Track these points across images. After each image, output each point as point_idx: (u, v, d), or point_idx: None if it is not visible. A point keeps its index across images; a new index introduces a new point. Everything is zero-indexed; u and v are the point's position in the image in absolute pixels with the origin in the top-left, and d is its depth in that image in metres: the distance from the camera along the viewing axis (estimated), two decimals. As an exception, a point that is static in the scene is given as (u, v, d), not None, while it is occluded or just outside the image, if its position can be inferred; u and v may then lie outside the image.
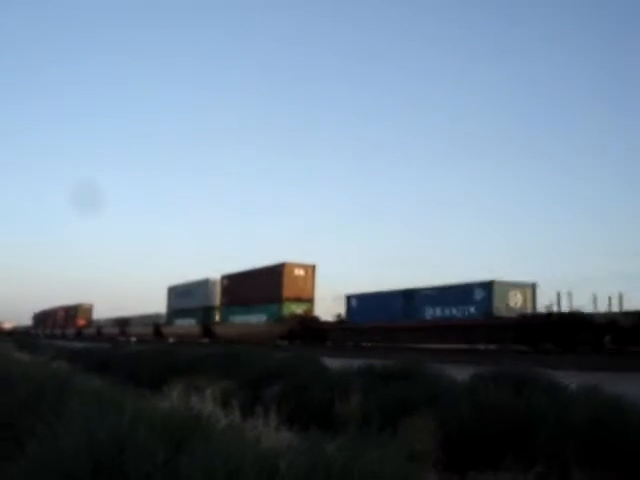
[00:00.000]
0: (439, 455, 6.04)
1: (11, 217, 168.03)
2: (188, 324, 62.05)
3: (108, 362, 17.80)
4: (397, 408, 7.15)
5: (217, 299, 58.92)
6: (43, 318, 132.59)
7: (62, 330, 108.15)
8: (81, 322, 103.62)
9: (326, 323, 45.00)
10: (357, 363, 10.77)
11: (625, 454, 5.24)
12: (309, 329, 44.82)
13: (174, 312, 67.50)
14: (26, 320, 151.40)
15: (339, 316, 43.47)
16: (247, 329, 49.78)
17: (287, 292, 48.42)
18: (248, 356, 14.23)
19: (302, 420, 6.35)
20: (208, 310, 59.39)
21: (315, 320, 46.96)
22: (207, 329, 57.30)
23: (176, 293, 67.82)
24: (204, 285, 61.10)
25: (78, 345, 32.30)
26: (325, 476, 3.17)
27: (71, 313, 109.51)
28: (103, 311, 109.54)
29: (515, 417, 6.19)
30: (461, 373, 9.00)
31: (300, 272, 49.45)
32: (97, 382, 9.48)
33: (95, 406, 4.20)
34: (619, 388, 6.81)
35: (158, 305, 76.63)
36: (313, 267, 50.37)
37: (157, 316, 72.35)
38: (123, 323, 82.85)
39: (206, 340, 55.37)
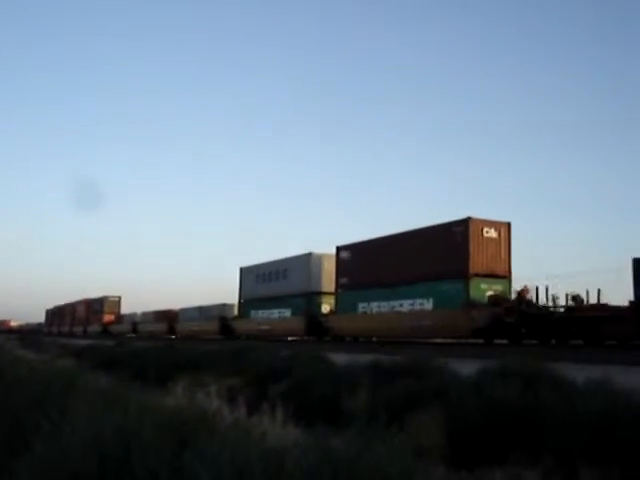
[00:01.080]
0: (446, 450, 6.02)
1: (12, 210, 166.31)
2: (279, 317, 47.10)
3: (114, 359, 17.83)
4: (404, 403, 7.13)
5: (324, 281, 42.77)
6: (58, 314, 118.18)
7: (84, 327, 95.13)
8: (108, 317, 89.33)
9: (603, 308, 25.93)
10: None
11: (635, 450, 5.20)
12: (535, 319, 27.94)
13: (252, 302, 51.64)
14: (37, 317, 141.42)
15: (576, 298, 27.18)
16: (402, 321, 33.74)
17: (476, 263, 30.94)
18: (255, 353, 14.22)
19: (309, 416, 6.33)
20: (311, 297, 43.63)
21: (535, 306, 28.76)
22: (313, 323, 42.16)
23: (256, 276, 51.02)
24: (304, 262, 44.40)
25: (83, 342, 32.27)
26: (332, 472, 3.15)
27: (94, 307, 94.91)
28: (132, 305, 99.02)
29: (522, 412, 6.17)
30: (468, 368, 8.96)
31: (492, 233, 31.78)
32: (103, 379, 9.48)
33: (101, 403, 4.19)
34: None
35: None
36: (508, 225, 32.59)
37: (224, 307, 57.25)
38: (170, 317, 69.41)
39: (311, 338, 42.30)
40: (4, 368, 8.80)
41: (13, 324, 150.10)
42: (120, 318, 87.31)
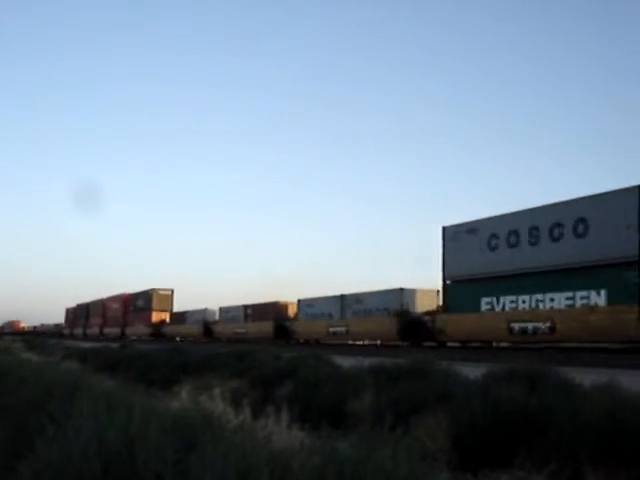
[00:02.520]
0: (451, 453, 6.00)
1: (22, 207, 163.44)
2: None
3: (118, 362, 17.83)
4: (409, 406, 7.11)
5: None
6: (83, 314, 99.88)
7: (121, 328, 78.54)
8: (159, 316, 72.35)
9: None
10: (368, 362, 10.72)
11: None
12: None
13: (484, 281, 30.65)
14: (56, 318, 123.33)
15: None
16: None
17: None
18: (258, 355, 14.22)
19: (314, 419, 6.32)
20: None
21: None
22: None
23: (508, 233, 29.79)
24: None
25: (86, 345, 32.30)
26: (337, 475, 3.13)
27: (137, 304, 77.99)
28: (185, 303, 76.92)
29: (528, 415, 6.14)
30: (474, 371, 8.94)
31: None
32: (107, 382, 9.48)
33: (105, 406, 4.18)
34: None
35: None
36: None
37: (399, 292, 38.34)
38: (278, 313, 50.26)
39: None
40: (8, 370, 8.80)
41: (24, 325, 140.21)
42: (180, 317, 68.43)
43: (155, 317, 72.69)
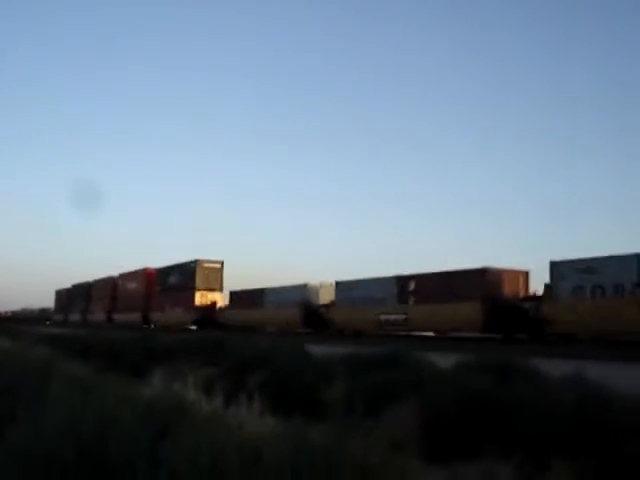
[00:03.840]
0: (422, 442, 6.06)
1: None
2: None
3: (90, 348, 17.71)
4: (381, 395, 7.17)
5: None
6: (81, 296, 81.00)
7: (142, 313, 59.99)
8: (205, 297, 53.15)
9: None
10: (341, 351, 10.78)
11: (605, 442, 5.28)
12: None
13: None
14: (43, 302, 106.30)
15: None
16: None
17: None
18: (232, 342, 14.22)
19: (286, 407, 6.35)
20: None
21: None
22: None
23: None
24: None
25: (56, 331, 31.86)
26: (308, 462, 3.17)
27: (168, 281, 59.12)
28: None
29: (497, 405, 6.23)
30: (446, 361, 9.04)
31: None
32: (79, 368, 9.43)
33: (77, 392, 4.17)
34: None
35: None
36: None
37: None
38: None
39: None
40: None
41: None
42: (253, 298, 47.41)
43: (200, 298, 53.30)
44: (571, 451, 5.21)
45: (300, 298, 41.52)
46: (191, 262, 55.65)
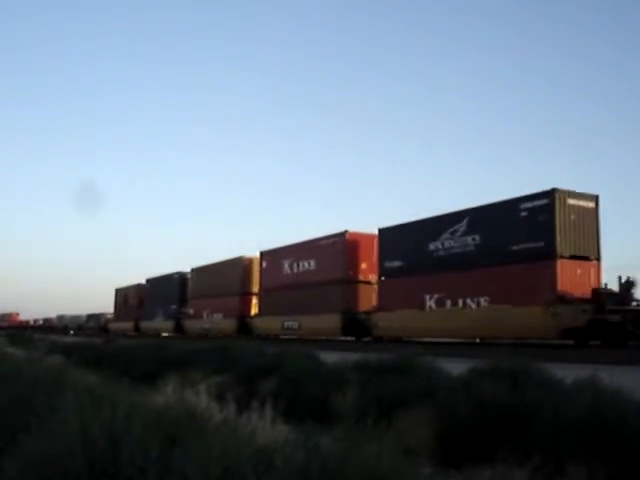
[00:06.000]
0: (435, 449, 6.03)
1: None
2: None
3: (102, 357, 17.75)
4: (393, 402, 7.14)
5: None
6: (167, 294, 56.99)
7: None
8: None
9: None
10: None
11: (621, 447, 5.23)
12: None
13: None
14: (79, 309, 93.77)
15: None
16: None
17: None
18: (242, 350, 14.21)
19: (298, 414, 6.33)
20: None
21: None
22: None
23: None
24: None
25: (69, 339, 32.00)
26: (320, 470, 3.15)
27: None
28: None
29: (511, 410, 6.19)
30: (458, 367, 8.97)
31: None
32: (91, 377, 9.44)
33: (89, 401, 4.17)
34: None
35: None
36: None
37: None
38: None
39: None
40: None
41: (23, 318, 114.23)
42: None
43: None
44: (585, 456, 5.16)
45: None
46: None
